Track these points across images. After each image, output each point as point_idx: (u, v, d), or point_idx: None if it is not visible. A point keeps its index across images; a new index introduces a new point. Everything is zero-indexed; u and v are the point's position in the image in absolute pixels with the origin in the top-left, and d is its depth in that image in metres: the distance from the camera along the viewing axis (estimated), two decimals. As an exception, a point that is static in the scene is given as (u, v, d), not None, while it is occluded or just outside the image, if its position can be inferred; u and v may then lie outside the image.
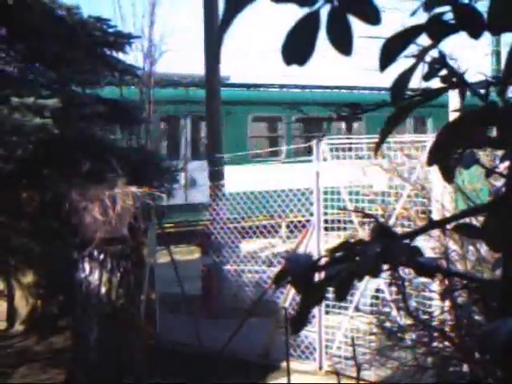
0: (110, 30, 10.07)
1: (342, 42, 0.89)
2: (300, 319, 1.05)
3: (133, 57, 11.24)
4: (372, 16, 0.88)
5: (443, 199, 6.62)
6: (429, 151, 1.06)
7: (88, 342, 7.94)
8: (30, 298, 9.96)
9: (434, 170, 6.73)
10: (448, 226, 1.28)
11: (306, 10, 0.87)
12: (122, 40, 10.20)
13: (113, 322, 7.92)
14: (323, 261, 1.07)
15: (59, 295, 9.48)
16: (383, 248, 1.03)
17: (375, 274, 1.05)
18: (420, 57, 0.99)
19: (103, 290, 7.88)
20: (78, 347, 8.13)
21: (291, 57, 0.88)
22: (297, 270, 1.04)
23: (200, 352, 8.53)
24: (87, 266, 7.92)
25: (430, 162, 1.06)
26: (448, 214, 6.30)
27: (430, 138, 7.16)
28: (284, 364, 7.79)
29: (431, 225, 1.20)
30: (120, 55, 10.43)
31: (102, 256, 7.88)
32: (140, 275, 8.31)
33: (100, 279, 7.87)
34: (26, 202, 8.83)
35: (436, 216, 6.66)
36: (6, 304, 10.29)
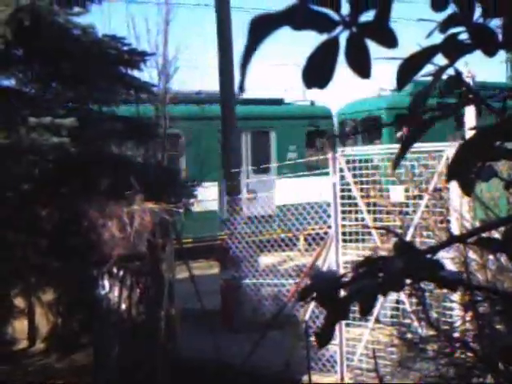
0: (125, 48, 10.17)
1: (361, 66, 0.91)
2: (326, 334, 1.07)
3: (147, 74, 11.31)
4: (389, 40, 0.91)
5: (461, 209, 6.60)
6: (448, 167, 1.07)
7: (109, 359, 7.97)
8: (51, 315, 10.01)
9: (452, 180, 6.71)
10: (469, 240, 1.29)
11: (325, 36, 0.90)
12: (137, 58, 10.29)
13: (133, 338, 7.94)
14: (347, 277, 1.09)
15: (79, 312, 9.52)
16: (406, 263, 1.04)
17: (399, 289, 1.07)
18: (437, 76, 1.02)
19: (123, 306, 7.92)
20: (99, 364, 8.16)
21: (312, 80, 0.91)
22: (322, 286, 1.06)
23: (220, 366, 8.52)
24: (107, 283, 7.97)
25: (449, 178, 1.07)
26: (467, 224, 6.27)
27: (447, 148, 7.14)
28: (305, 377, 7.77)
29: (453, 239, 1.21)
30: (135, 72, 10.53)
31: (121, 273, 7.93)
32: (159, 291, 8.33)
33: (120, 296, 7.91)
34: (45, 220, 8.90)
35: (455, 225, 6.63)
36: (26, 322, 10.34)
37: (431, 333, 5.32)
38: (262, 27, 0.82)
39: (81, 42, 9.27)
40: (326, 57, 0.89)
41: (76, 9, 9.93)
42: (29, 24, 8.54)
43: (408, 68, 0.99)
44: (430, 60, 1.00)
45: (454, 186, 6.95)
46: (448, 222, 6.89)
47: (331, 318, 1.07)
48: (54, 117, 8.52)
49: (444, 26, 0.98)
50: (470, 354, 4.77)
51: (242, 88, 0.85)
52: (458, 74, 1.09)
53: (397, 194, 7.61)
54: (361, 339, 7.83)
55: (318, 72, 0.90)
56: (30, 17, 8.54)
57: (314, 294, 1.06)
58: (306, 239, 9.36)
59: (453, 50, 0.99)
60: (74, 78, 9.32)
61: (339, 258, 7.90)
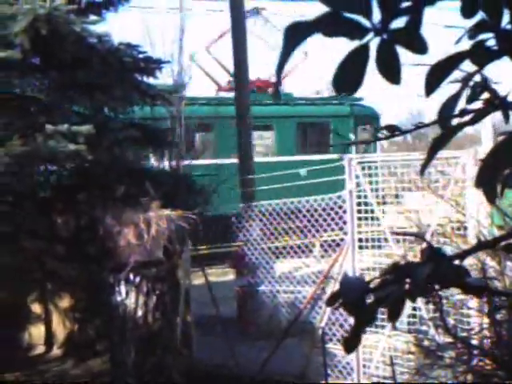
0: (141, 56, 10.23)
1: (391, 72, 0.92)
2: (353, 340, 1.07)
3: (163, 81, 11.37)
4: (420, 46, 0.91)
5: (479, 215, 6.56)
6: (477, 173, 1.07)
7: (125, 366, 7.99)
8: (68, 321, 10.06)
9: (470, 186, 6.68)
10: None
11: (356, 43, 0.90)
12: (152, 65, 10.35)
13: (150, 345, 7.96)
14: (374, 283, 1.09)
15: (96, 319, 9.55)
16: (433, 269, 1.04)
17: (426, 294, 1.07)
18: (466, 82, 1.02)
19: (140, 313, 7.94)
20: (116, 371, 8.18)
21: (342, 86, 0.92)
22: (350, 293, 1.06)
23: (236, 374, 8.52)
24: (123, 290, 8.00)
25: (478, 184, 1.07)
26: (484, 230, 6.22)
27: (463, 155, 7.12)
28: (321, 385, 7.75)
29: (481, 245, 1.21)
30: (150, 80, 10.59)
31: (137, 279, 7.95)
32: (175, 298, 8.35)
33: (136, 302, 7.93)
34: (62, 227, 8.96)
35: (472, 232, 6.59)
36: (43, 328, 10.40)
37: (449, 340, 5.28)
38: (295, 34, 0.83)
39: (97, 50, 9.34)
40: (357, 63, 0.90)
41: (92, 17, 10.02)
42: (46, 33, 8.63)
43: (436, 74, 1.00)
44: (457, 66, 1.00)
45: (470, 192, 6.92)
46: (465, 228, 6.85)
47: (358, 324, 1.07)
48: (71, 124, 8.59)
49: (473, 33, 0.99)
50: (488, 362, 4.73)
51: (276, 96, 0.86)
52: (484, 79, 1.10)
53: (414, 200, 7.58)
54: (377, 346, 7.79)
55: (348, 78, 0.91)
56: (47, 26, 8.62)
57: (341, 300, 1.07)
58: (321, 246, 9.34)
59: (481, 56, 1.00)
60: (91, 86, 9.39)
61: (355, 265, 7.88)
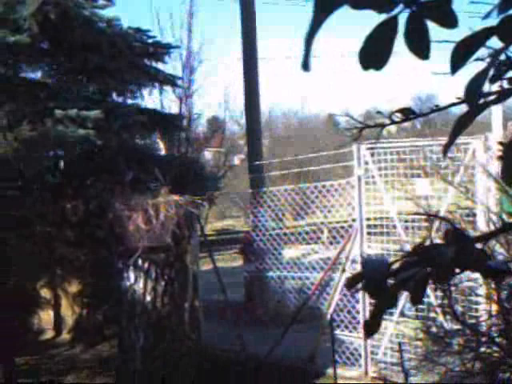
0: (150, 41, 10.20)
1: (420, 47, 0.89)
2: (374, 323, 1.05)
3: (172, 66, 11.35)
4: (450, 20, 0.89)
5: (488, 201, 6.52)
6: (503, 151, 1.05)
7: (134, 350, 8.01)
8: (76, 306, 10.11)
9: (480, 173, 6.64)
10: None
11: (384, 16, 0.88)
12: (162, 50, 10.32)
13: (158, 329, 7.98)
14: (396, 265, 1.07)
15: (105, 304, 9.59)
16: (457, 251, 1.02)
17: (449, 277, 1.05)
18: (494, 59, 0.99)
19: (148, 298, 7.96)
20: (124, 355, 8.21)
21: (369, 61, 0.89)
22: (372, 274, 1.04)
23: (244, 359, 8.54)
24: (132, 275, 8.01)
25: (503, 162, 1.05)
26: (493, 217, 6.19)
27: (473, 141, 7.06)
28: (329, 370, 7.75)
29: (505, 227, 1.18)
30: (159, 65, 10.57)
31: (146, 264, 7.96)
32: (184, 283, 8.35)
33: (145, 287, 7.95)
34: (71, 212, 8.97)
35: (481, 219, 6.55)
36: (52, 313, 10.45)
37: (457, 327, 5.26)
38: (325, 5, 0.80)
39: (106, 35, 9.31)
40: (385, 37, 0.87)
41: (101, 1, 9.98)
42: (54, 17, 8.59)
43: (462, 51, 0.97)
44: (484, 43, 0.97)
45: (480, 178, 6.87)
46: (474, 215, 6.82)
47: (379, 307, 1.06)
48: (80, 109, 8.57)
49: (503, 7, 0.96)
50: (495, 349, 4.72)
51: (306, 66, 0.83)
52: (510, 57, 1.07)
53: (423, 186, 7.54)
54: (385, 333, 7.78)
55: (375, 53, 0.88)
56: (56, 10, 8.59)
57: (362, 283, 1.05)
58: (330, 232, 9.31)
59: (509, 32, 0.97)
60: (100, 71, 9.36)
61: (364, 251, 7.86)
